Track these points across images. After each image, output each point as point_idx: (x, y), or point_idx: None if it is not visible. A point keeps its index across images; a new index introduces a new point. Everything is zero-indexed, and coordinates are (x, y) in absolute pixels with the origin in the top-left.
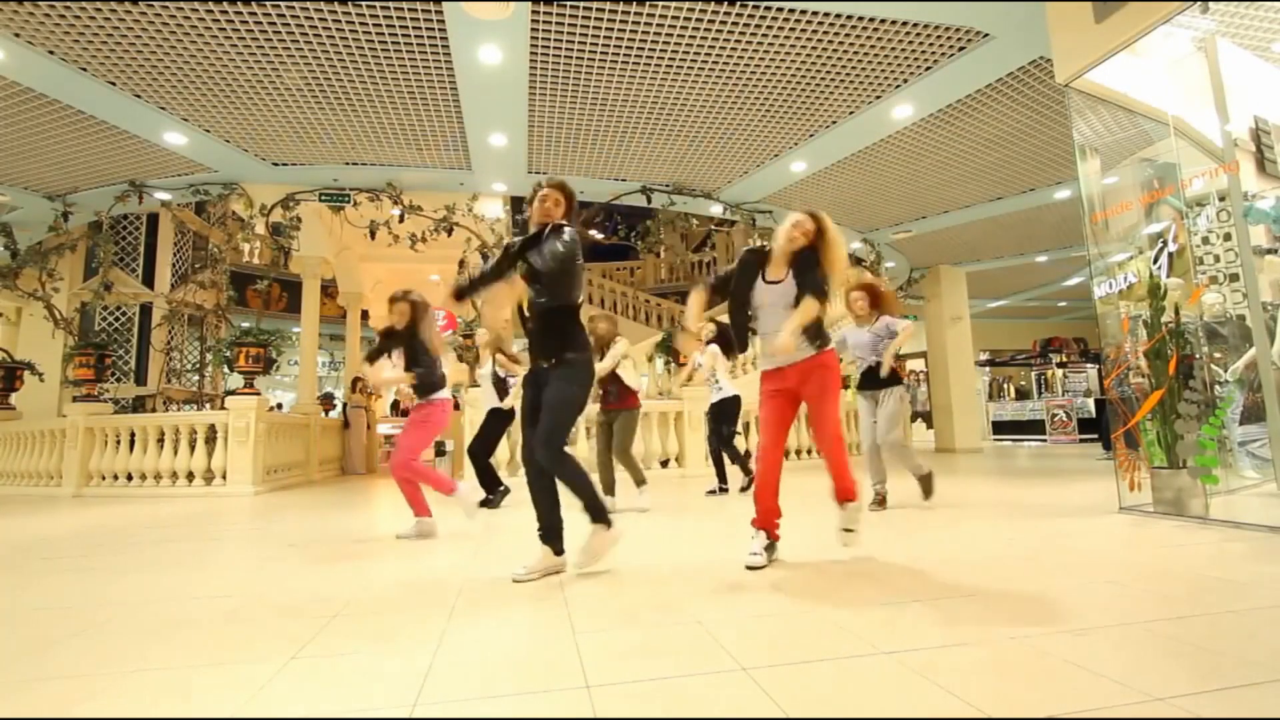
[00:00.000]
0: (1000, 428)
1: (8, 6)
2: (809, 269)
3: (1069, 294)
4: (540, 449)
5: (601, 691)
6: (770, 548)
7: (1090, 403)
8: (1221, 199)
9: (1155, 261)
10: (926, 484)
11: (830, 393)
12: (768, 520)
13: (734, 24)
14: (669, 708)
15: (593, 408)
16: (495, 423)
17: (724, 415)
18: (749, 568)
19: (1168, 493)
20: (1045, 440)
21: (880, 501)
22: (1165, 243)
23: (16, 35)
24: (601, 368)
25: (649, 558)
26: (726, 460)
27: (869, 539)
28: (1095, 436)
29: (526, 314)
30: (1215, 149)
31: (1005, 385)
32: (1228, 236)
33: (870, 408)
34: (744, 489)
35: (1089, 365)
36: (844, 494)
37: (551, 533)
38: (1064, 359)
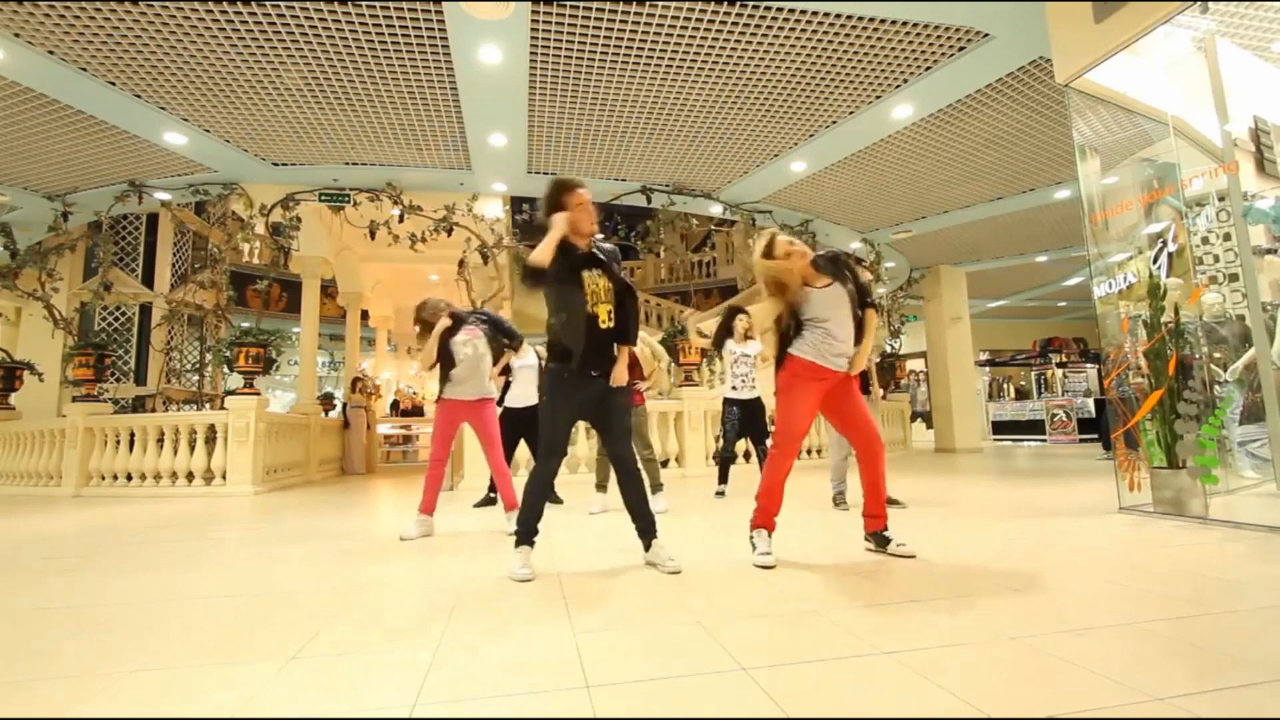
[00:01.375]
0: (1000, 428)
1: (7, 6)
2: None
3: (1069, 294)
4: (627, 450)
5: (601, 692)
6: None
7: (1090, 403)
8: (1221, 199)
9: (1155, 261)
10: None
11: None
12: (772, 518)
13: (734, 24)
14: (669, 708)
15: None
16: (512, 424)
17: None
18: (765, 567)
19: (1167, 493)
20: (1045, 440)
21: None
22: (1165, 243)
23: (16, 35)
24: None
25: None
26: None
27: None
28: (1095, 436)
29: (600, 324)
30: (1215, 149)
31: (1005, 385)
32: (1227, 236)
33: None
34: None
35: (1089, 365)
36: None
37: (534, 534)
38: (1064, 359)
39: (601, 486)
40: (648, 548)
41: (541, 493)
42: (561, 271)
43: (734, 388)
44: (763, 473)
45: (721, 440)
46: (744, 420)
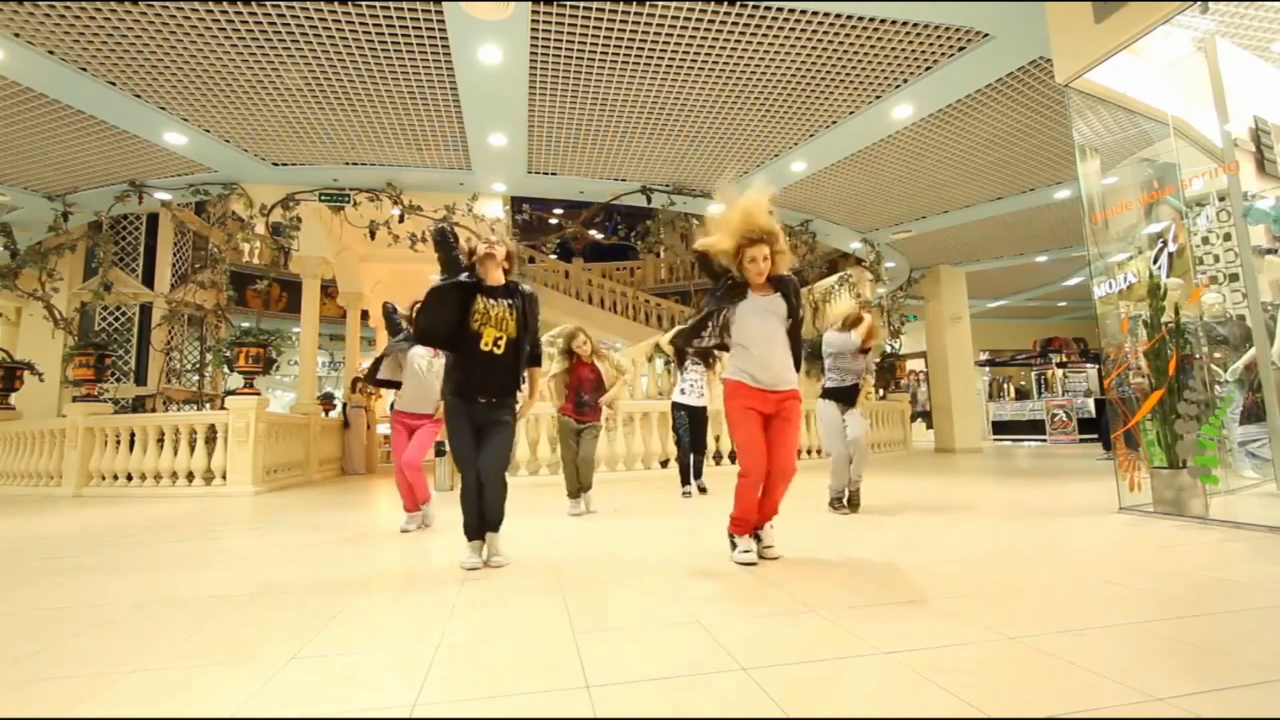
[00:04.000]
0: (1000, 428)
1: (8, 7)
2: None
3: (1069, 294)
4: (496, 472)
5: (601, 691)
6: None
7: (1090, 403)
8: (1221, 199)
9: (1155, 261)
10: (856, 496)
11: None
12: (750, 527)
13: (734, 24)
14: (669, 708)
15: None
16: None
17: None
18: (748, 564)
19: (1168, 493)
20: (1045, 440)
21: (849, 504)
22: (1165, 243)
23: (16, 35)
24: (611, 396)
25: (649, 558)
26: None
27: (869, 540)
28: (1095, 436)
29: (483, 350)
30: (1215, 149)
31: (1005, 385)
32: (1227, 236)
33: (839, 415)
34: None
35: (1089, 365)
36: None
37: (476, 532)
38: (1064, 359)
39: (573, 494)
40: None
41: (470, 500)
42: (462, 298)
43: (682, 391)
44: (735, 497)
45: (676, 446)
46: (688, 425)
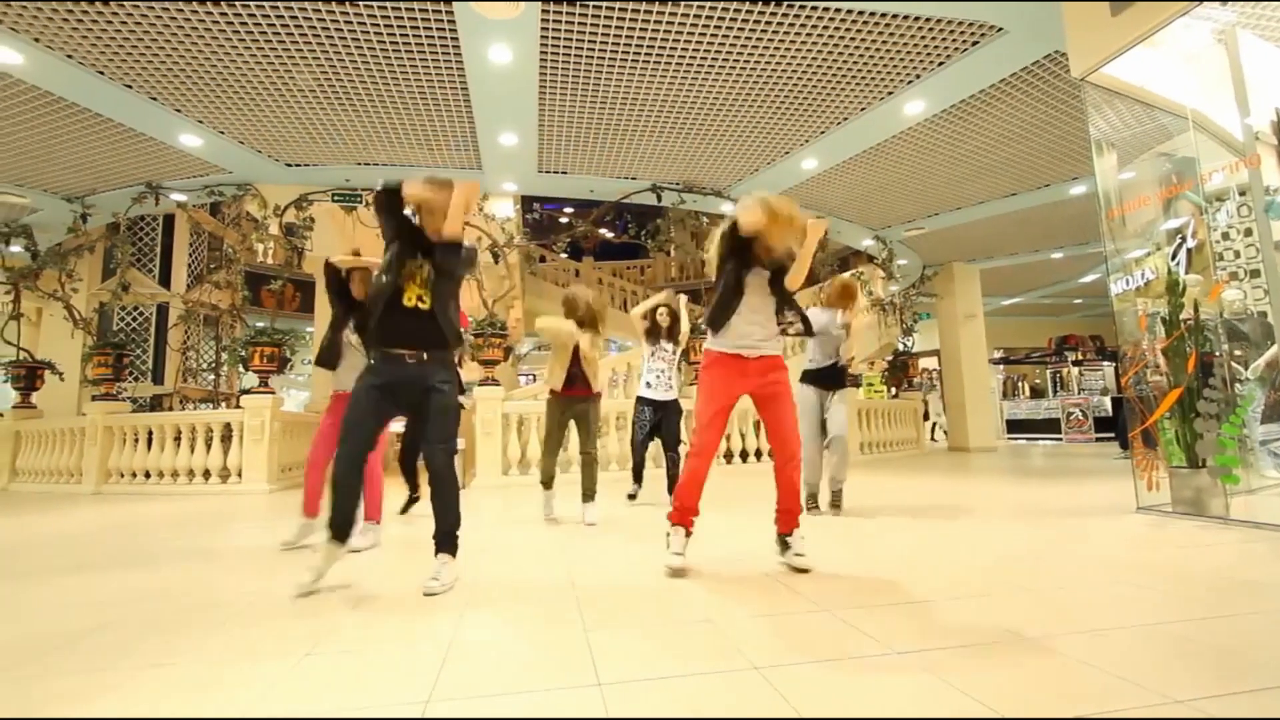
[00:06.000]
0: (1015, 426)
1: (27, 12)
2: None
3: (1085, 291)
4: (442, 453)
5: (614, 690)
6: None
7: (1107, 401)
8: (1242, 193)
9: (1174, 257)
10: (838, 498)
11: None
12: (689, 517)
13: (744, 21)
14: (681, 706)
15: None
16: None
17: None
18: (673, 569)
19: (1187, 492)
20: (1061, 439)
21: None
22: (1184, 238)
23: (36, 40)
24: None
25: (657, 557)
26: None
27: (882, 539)
28: (1112, 435)
29: (405, 305)
30: (1235, 143)
31: (1020, 383)
32: (1248, 232)
33: (819, 403)
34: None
35: (1105, 363)
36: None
37: (345, 531)
38: (1080, 357)
39: (547, 484)
40: (437, 555)
41: (344, 484)
42: (399, 245)
43: (648, 384)
44: (681, 475)
45: (631, 444)
46: (656, 422)
